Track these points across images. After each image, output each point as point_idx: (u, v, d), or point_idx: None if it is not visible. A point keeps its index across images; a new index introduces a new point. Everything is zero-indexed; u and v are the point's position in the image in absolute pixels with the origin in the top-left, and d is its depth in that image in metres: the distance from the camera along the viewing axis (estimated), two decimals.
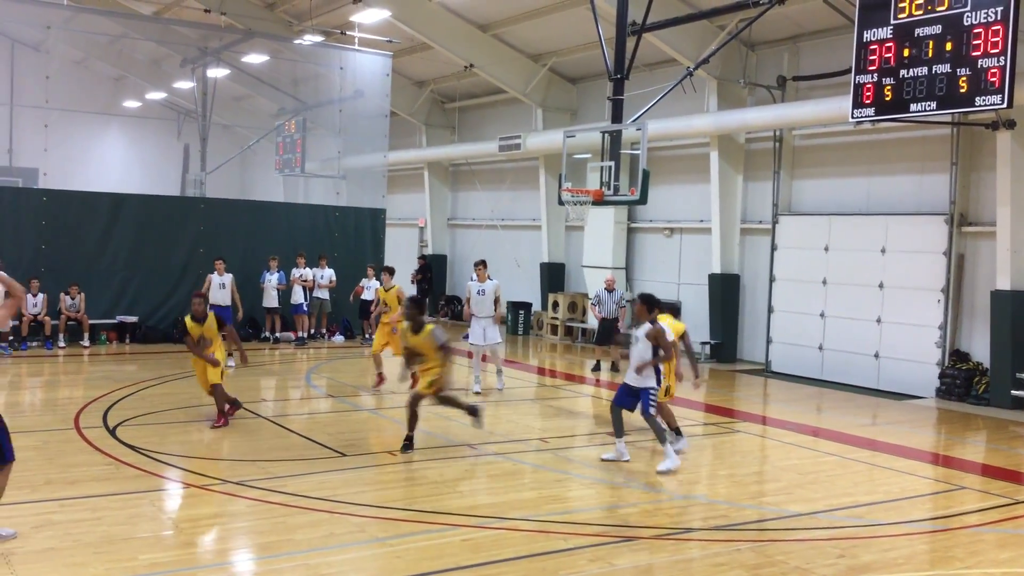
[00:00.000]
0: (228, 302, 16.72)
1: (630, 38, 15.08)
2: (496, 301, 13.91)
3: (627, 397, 9.81)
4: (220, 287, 16.83)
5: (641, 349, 9.66)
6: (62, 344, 17.40)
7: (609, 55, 15.29)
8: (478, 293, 13.90)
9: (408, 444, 10.06)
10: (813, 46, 17.57)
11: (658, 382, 9.78)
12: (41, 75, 21.06)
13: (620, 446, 9.95)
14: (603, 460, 9.97)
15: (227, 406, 11.16)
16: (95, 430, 10.53)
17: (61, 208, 18.15)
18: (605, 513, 8.35)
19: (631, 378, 9.79)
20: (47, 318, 17.24)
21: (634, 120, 14.95)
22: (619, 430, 9.94)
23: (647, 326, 9.74)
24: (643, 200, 14.02)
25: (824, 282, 17.15)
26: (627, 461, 9.87)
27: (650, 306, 9.95)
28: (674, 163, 20.37)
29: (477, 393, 13.66)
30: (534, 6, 20.08)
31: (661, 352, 9.65)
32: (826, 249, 17.14)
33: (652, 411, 9.68)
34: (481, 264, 14.16)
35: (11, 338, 16.80)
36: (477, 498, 8.40)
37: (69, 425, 10.78)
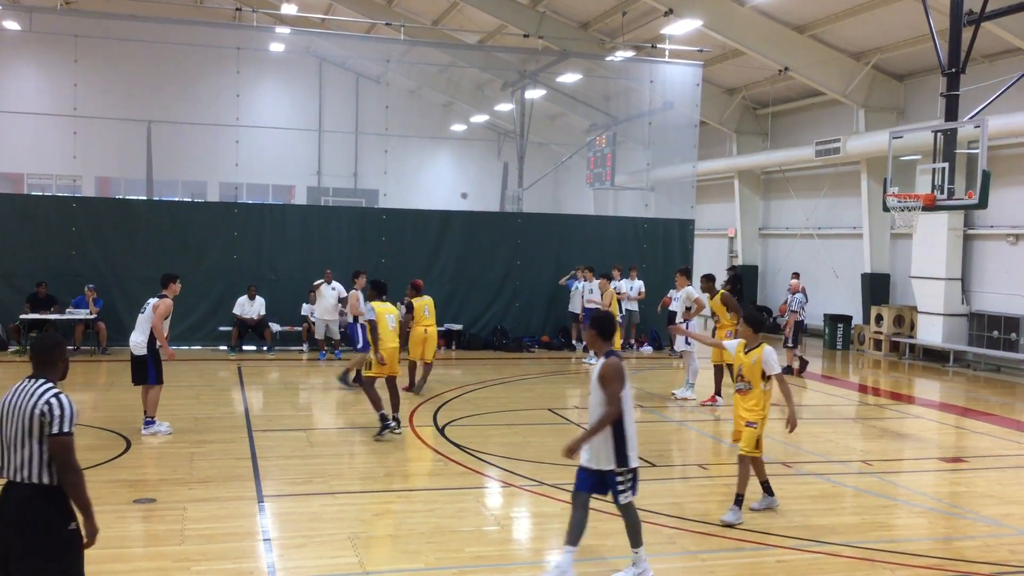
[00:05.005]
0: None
1: (966, 28, 13.90)
2: (689, 309, 14.14)
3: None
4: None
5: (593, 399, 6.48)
6: None
7: (942, 48, 14.13)
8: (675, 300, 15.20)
9: None
10: None
11: (620, 458, 6.44)
12: (381, 105, 23.47)
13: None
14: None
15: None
16: (427, 428, 11.45)
17: (398, 225, 19.91)
18: (937, 545, 7.68)
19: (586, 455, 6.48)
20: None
21: (972, 116, 13.67)
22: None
23: (601, 360, 6.43)
24: (983, 204, 12.86)
25: None
26: None
27: (600, 332, 6.45)
28: (1017, 162, 18.27)
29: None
30: (856, 2, 18.96)
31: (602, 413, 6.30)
32: None
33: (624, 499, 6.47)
34: (679, 272, 14.76)
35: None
36: (792, 519, 8.06)
37: (404, 423, 11.79)
